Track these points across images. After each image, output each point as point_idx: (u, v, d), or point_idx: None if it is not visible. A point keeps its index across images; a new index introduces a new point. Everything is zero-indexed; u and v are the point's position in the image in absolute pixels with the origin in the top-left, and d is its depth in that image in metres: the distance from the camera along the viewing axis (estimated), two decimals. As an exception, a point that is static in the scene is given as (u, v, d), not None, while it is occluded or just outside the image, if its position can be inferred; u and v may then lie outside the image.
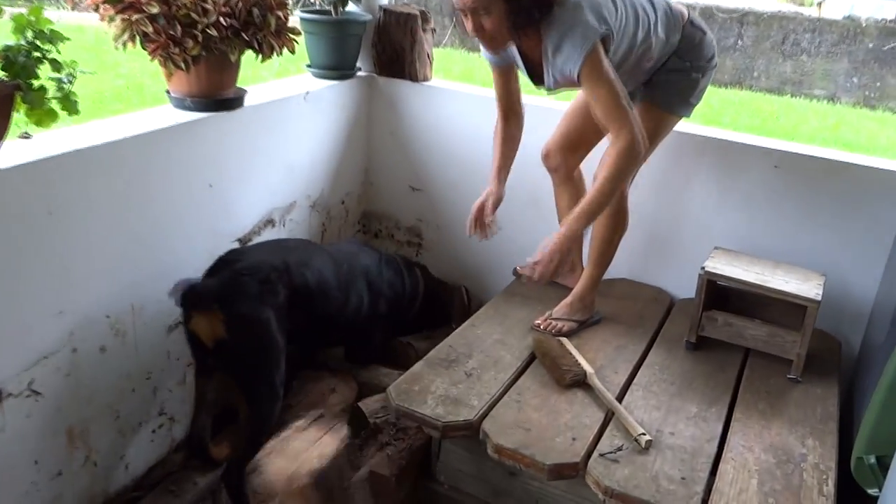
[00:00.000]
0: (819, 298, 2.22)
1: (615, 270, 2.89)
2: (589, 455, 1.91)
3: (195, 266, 2.31)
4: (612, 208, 2.36)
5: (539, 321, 2.50)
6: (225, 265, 2.14)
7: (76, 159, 1.87)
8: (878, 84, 5.92)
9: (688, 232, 2.78)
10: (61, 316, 1.92)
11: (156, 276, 2.19)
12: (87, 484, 2.11)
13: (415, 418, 2.01)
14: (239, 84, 2.40)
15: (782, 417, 2.12)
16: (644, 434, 1.94)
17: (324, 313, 2.38)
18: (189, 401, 2.39)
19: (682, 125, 2.66)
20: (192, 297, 2.05)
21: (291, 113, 2.66)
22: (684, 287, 2.82)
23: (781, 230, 2.61)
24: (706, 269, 2.36)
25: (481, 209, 2.54)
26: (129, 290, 2.12)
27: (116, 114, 2.30)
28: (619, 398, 2.16)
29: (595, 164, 2.69)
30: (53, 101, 1.81)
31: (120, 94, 4.68)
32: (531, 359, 2.32)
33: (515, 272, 2.50)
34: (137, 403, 2.23)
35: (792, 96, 6.07)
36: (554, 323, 2.51)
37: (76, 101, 1.86)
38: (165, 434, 2.38)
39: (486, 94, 2.99)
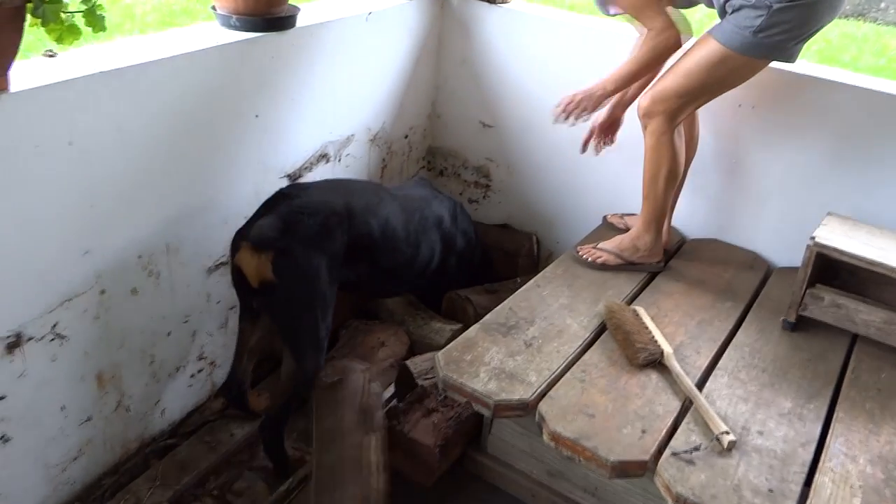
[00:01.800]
0: (955, 285, 1.86)
1: (705, 228, 2.58)
2: (660, 452, 1.66)
3: (238, 204, 2.14)
4: (650, 141, 2.18)
5: (582, 247, 2.38)
6: (283, 199, 1.97)
7: (101, 82, 1.67)
8: None
9: (794, 191, 2.40)
10: (87, 256, 1.76)
11: (194, 213, 2.02)
12: (119, 429, 2.01)
13: (464, 392, 1.79)
14: (291, 1, 2.14)
15: (895, 422, 1.81)
16: (727, 433, 1.68)
17: (389, 266, 2.19)
18: (231, 346, 2.25)
19: (797, 65, 2.26)
20: (242, 229, 1.92)
21: (350, 35, 2.39)
22: (784, 253, 2.48)
23: (910, 196, 2.22)
24: (816, 239, 2.02)
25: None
26: (164, 228, 1.95)
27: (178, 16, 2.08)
28: (700, 385, 1.88)
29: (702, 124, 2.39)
30: (77, 17, 1.60)
31: (190, 9, 4.49)
32: (601, 330, 2.06)
33: (605, 219, 2.64)
34: (174, 347, 2.10)
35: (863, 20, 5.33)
36: (595, 251, 2.35)
37: (103, 17, 1.64)
38: (205, 379, 2.25)
39: (573, 20, 2.64)
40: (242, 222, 2.14)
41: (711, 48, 2.02)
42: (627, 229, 2.54)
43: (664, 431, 1.71)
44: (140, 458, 2.06)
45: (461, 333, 2.41)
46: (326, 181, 2.28)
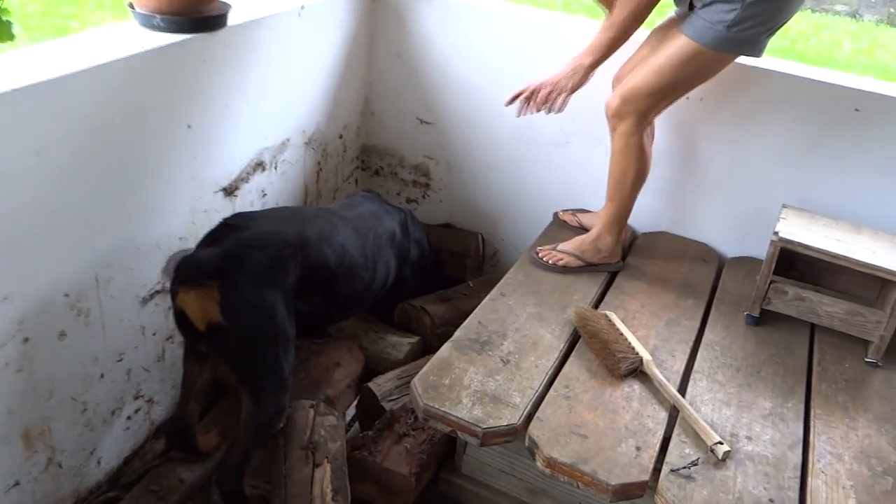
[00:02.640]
0: (916, 275, 1.90)
1: (655, 221, 2.56)
2: (657, 469, 1.61)
3: (172, 224, 1.92)
4: (619, 143, 2.10)
5: (541, 248, 2.29)
6: (228, 232, 1.75)
7: (13, 101, 1.42)
8: (905, 0, 5.51)
9: (742, 182, 2.41)
10: (6, 302, 1.51)
11: (124, 240, 1.79)
12: (51, 489, 1.77)
13: (448, 422, 1.67)
14: (221, -3, 1.93)
15: (868, 414, 1.83)
16: (721, 443, 1.64)
17: (347, 294, 2.03)
18: (169, 379, 2.04)
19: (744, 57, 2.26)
20: (184, 267, 1.68)
21: (284, 32, 2.19)
22: (734, 244, 2.49)
23: (859, 187, 2.25)
24: (780, 234, 2.01)
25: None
26: (92, 259, 1.71)
27: (69, 20, 1.82)
28: (681, 389, 1.85)
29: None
30: (-21, 23, 1.35)
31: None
32: (575, 338, 1.99)
33: (556, 216, 2.55)
34: (108, 390, 1.87)
35: (812, 12, 5.60)
36: (555, 254, 2.27)
37: (10, 23, 1.41)
38: (143, 419, 2.03)
39: (513, 12, 2.53)
40: (177, 245, 1.94)
41: (683, 45, 1.96)
42: (580, 227, 2.48)
43: (657, 445, 1.66)
44: (77, 517, 1.83)
45: (420, 346, 2.32)
46: (274, 210, 2.12)
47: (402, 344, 2.29)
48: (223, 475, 1.78)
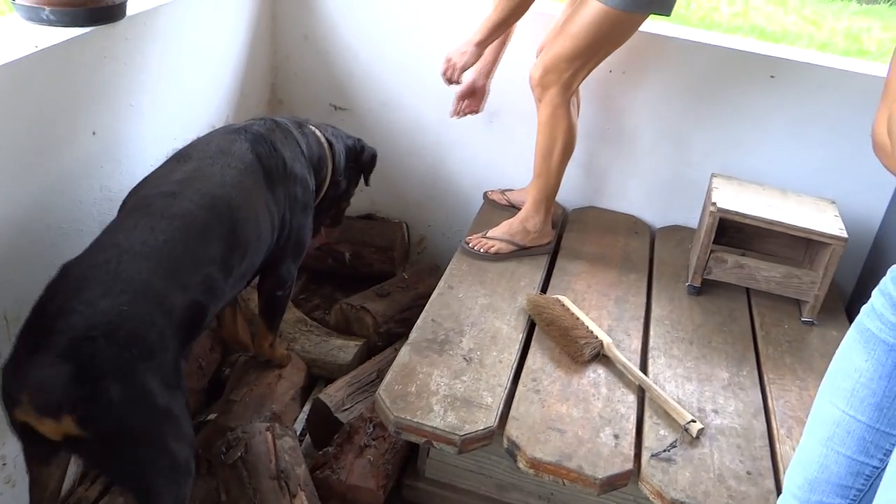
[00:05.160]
0: (846, 235, 1.99)
1: (582, 197, 2.55)
2: (638, 455, 1.60)
3: (83, 246, 1.69)
4: (545, 113, 2.09)
5: (471, 237, 2.23)
6: (55, 321, 1.24)
7: None
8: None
9: (664, 152, 2.44)
10: None
11: (32, 270, 1.55)
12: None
13: (422, 433, 1.59)
14: (116, -17, 1.70)
15: (814, 372, 1.90)
16: (694, 421, 1.65)
17: (241, 284, 1.69)
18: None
19: (658, 26, 2.27)
20: (27, 389, 1.21)
21: (186, 19, 1.98)
22: (660, 214, 2.53)
23: (776, 150, 2.33)
24: (718, 205, 2.04)
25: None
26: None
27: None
28: (643, 368, 1.85)
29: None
30: None
31: None
32: (530, 326, 1.94)
33: (486, 196, 2.51)
34: None
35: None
36: (485, 241, 2.22)
37: None
38: None
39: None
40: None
41: (593, 9, 1.94)
42: (510, 205, 2.43)
43: (633, 432, 1.65)
44: None
45: (365, 347, 2.21)
46: (114, 233, 1.43)
47: (348, 347, 2.17)
48: None
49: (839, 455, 1.14)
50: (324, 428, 1.93)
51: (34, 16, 1.56)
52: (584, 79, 2.11)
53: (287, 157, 1.74)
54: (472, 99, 2.28)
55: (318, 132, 1.93)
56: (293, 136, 1.82)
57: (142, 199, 1.49)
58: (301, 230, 1.81)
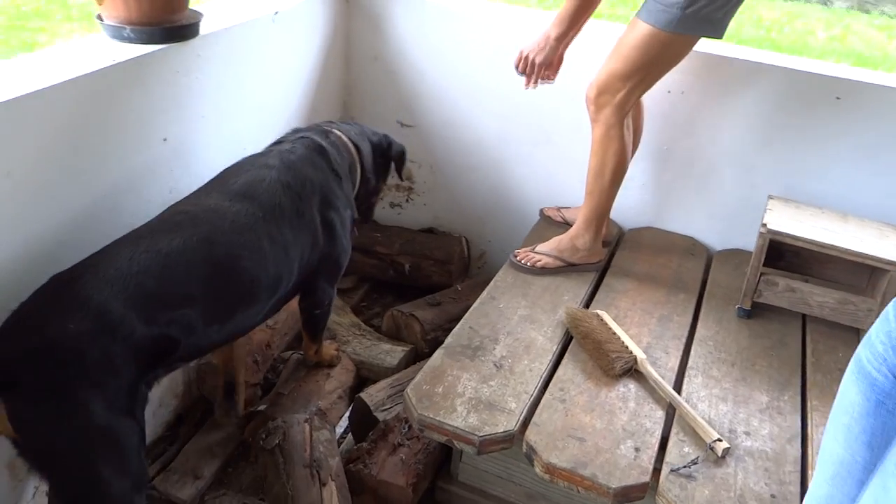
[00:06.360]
0: (904, 261, 1.90)
1: (641, 217, 2.55)
2: (657, 469, 1.59)
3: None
4: (599, 132, 2.09)
5: (519, 251, 2.27)
6: (11, 328, 1.33)
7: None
8: (874, -13, 5.57)
9: (727, 174, 2.40)
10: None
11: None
12: (37, 518, 1.72)
13: (443, 431, 1.64)
14: (189, 5, 1.88)
15: (863, 403, 1.82)
16: (720, 440, 1.63)
17: (247, 323, 1.70)
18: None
19: (724, 48, 2.25)
20: None
21: (258, 39, 2.15)
22: (721, 236, 2.49)
23: (841, 175, 2.25)
24: (768, 226, 2.00)
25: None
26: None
27: (37, 33, 1.76)
28: (677, 387, 1.83)
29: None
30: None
31: (44, 11, 3.98)
32: (567, 340, 1.96)
33: (542, 213, 2.54)
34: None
35: (784, 0, 5.65)
36: (533, 255, 2.24)
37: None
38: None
39: (496, 11, 2.50)
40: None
41: (640, 30, 1.96)
42: (564, 221, 2.46)
43: (656, 445, 1.64)
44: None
45: (412, 353, 2.29)
46: (109, 257, 1.46)
47: (395, 351, 2.26)
48: None
49: (844, 497, 1.08)
50: (364, 426, 2.02)
51: (117, 34, 1.76)
52: (638, 98, 2.13)
53: (319, 186, 1.77)
54: (550, 68, 2.19)
55: (343, 137, 1.97)
56: (325, 154, 1.85)
57: (146, 225, 1.56)
58: (335, 255, 1.86)
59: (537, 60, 2.07)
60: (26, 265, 1.53)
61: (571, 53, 2.14)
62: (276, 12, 2.19)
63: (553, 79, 2.22)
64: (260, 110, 2.23)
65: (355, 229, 2.18)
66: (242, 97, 2.12)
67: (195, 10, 1.89)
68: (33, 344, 1.30)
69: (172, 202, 1.91)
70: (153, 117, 1.80)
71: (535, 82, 2.17)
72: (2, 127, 1.41)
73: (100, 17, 1.78)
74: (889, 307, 0.97)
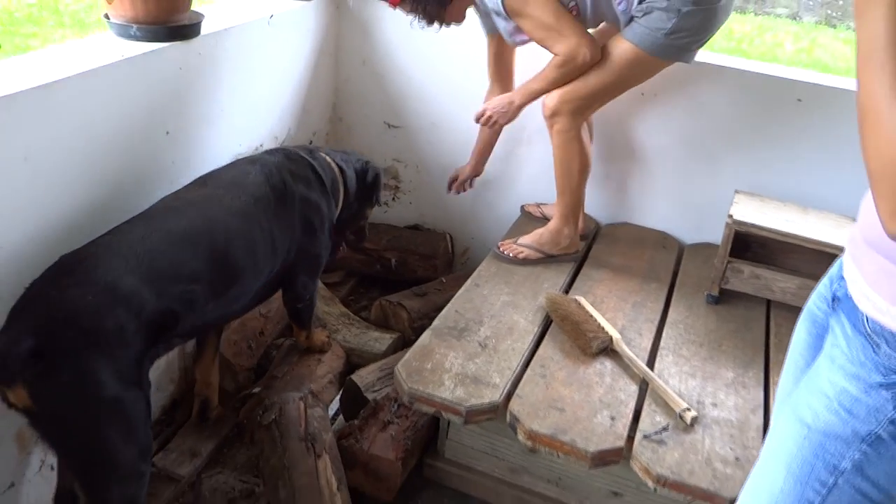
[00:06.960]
0: (858, 248, 2.04)
1: (617, 213, 2.68)
2: (631, 436, 1.71)
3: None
4: (558, 140, 2.24)
5: (503, 243, 2.41)
6: (30, 301, 1.41)
7: (3, 107, 1.47)
8: (841, 2, 5.79)
9: (696, 172, 2.55)
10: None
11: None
12: (45, 490, 1.79)
13: (432, 403, 1.76)
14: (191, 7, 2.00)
15: (822, 379, 1.96)
16: (688, 409, 1.75)
17: (233, 307, 1.80)
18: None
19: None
20: None
21: (254, 40, 2.26)
22: (691, 231, 2.63)
23: (803, 171, 2.41)
24: (734, 217, 2.15)
25: (456, 178, 2.63)
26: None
27: (29, 38, 1.86)
28: (650, 365, 1.96)
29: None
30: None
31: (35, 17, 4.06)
32: (547, 322, 2.09)
33: (523, 209, 2.71)
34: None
35: (756, 14, 5.87)
36: (515, 247, 2.38)
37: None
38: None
39: (474, 19, 2.63)
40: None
41: (624, 49, 2.08)
42: (545, 217, 2.59)
43: (630, 415, 1.77)
44: None
45: (400, 341, 2.40)
46: (120, 236, 1.57)
47: (383, 338, 2.37)
48: None
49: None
50: (354, 406, 2.12)
51: (124, 32, 1.86)
52: (595, 111, 2.27)
53: (299, 187, 1.89)
54: (471, 180, 2.61)
55: (328, 158, 2.08)
56: (306, 162, 1.97)
57: (149, 209, 1.68)
58: (313, 250, 1.97)
59: (501, 122, 2.28)
60: (40, 246, 1.62)
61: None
62: (272, 16, 2.31)
63: (474, 186, 2.62)
64: (255, 108, 2.34)
65: (344, 248, 2.27)
66: (238, 94, 2.23)
67: (197, 12, 2.00)
68: (55, 314, 1.37)
69: (172, 191, 2.02)
70: (157, 110, 1.91)
71: (459, 189, 2.61)
72: (20, 114, 1.51)
73: (107, 16, 1.89)
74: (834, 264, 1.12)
